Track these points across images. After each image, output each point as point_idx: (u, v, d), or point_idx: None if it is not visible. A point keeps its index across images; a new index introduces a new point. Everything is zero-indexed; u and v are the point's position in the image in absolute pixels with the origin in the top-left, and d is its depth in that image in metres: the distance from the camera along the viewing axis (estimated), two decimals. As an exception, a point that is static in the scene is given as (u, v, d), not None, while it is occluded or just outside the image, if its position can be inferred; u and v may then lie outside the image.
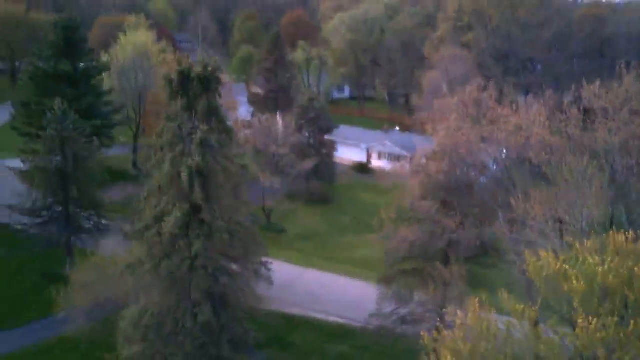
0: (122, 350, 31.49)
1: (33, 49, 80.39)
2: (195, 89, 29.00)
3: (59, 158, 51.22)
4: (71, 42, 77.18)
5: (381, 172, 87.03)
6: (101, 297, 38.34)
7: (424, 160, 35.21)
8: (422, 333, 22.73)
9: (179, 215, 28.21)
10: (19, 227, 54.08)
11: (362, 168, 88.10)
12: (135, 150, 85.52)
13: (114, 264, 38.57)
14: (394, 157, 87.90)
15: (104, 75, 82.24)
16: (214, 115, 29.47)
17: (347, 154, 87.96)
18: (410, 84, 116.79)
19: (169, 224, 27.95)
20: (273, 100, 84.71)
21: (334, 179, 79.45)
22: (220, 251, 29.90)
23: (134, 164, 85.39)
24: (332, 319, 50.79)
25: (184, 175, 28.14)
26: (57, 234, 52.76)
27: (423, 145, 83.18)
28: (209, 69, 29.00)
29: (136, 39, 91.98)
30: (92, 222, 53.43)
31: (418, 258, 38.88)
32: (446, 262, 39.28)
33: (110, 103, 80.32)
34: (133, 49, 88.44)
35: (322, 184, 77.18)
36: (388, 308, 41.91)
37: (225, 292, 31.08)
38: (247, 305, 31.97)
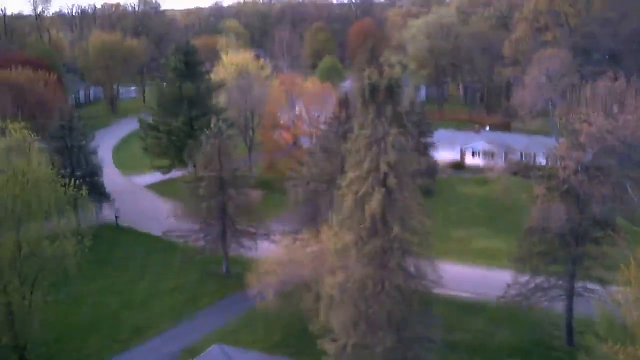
0: (326, 315, 38.79)
1: (156, 73, 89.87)
2: (383, 98, 36.15)
3: (218, 169, 59.07)
4: (190, 65, 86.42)
5: (476, 170, 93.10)
6: (286, 278, 46.22)
7: (564, 151, 41.22)
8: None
9: (380, 196, 35.47)
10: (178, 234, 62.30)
11: (458, 166, 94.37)
12: (250, 162, 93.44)
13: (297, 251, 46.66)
14: (487, 155, 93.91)
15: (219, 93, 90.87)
16: (398, 119, 36.56)
17: (443, 154, 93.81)
18: (490, 81, 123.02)
19: (374, 202, 35.20)
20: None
21: (436, 176, 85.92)
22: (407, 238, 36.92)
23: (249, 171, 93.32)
24: (464, 295, 56.69)
25: (383, 168, 35.32)
26: (216, 235, 60.75)
27: (514, 141, 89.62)
28: (394, 80, 36.14)
29: (237, 59, 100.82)
30: (247, 224, 61.07)
31: (552, 240, 45.15)
32: (577, 242, 45.53)
33: (226, 120, 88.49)
34: (236, 69, 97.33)
35: (426, 180, 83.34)
36: (523, 279, 48.01)
37: (413, 267, 38.29)
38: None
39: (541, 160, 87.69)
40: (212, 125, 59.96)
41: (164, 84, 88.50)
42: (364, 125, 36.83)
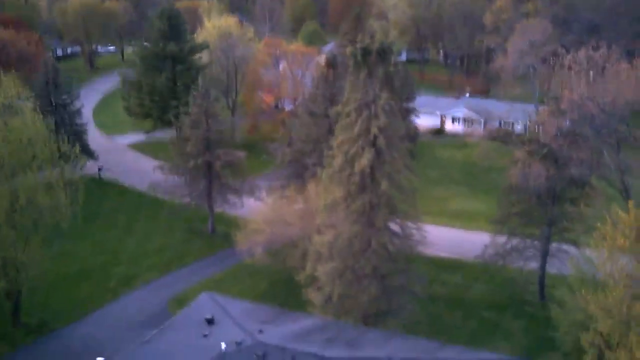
0: (314, 269, 40.30)
1: (141, 35, 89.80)
2: (375, 61, 37.21)
3: (204, 128, 59.93)
4: (174, 28, 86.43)
5: (456, 135, 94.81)
6: (273, 236, 47.68)
7: (545, 117, 42.88)
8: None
9: (369, 156, 36.84)
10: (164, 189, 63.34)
11: (438, 132, 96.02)
12: (233, 124, 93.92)
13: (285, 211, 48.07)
14: (467, 121, 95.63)
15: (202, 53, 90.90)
16: (389, 82, 37.74)
17: (423, 120, 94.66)
18: (471, 49, 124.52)
19: (363, 161, 36.53)
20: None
21: (417, 140, 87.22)
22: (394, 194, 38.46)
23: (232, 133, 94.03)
24: (442, 254, 58.69)
25: (374, 131, 36.61)
26: (202, 190, 61.84)
27: (495, 108, 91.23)
28: (386, 44, 37.21)
29: (220, 24, 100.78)
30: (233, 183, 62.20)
31: (530, 199, 47.18)
32: (553, 202, 47.66)
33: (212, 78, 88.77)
34: (219, 33, 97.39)
35: (406, 144, 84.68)
36: (501, 240, 50.17)
37: (398, 224, 39.97)
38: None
39: (519, 128, 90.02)
40: (199, 86, 60.65)
41: (147, 44, 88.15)
42: (354, 88, 37.90)
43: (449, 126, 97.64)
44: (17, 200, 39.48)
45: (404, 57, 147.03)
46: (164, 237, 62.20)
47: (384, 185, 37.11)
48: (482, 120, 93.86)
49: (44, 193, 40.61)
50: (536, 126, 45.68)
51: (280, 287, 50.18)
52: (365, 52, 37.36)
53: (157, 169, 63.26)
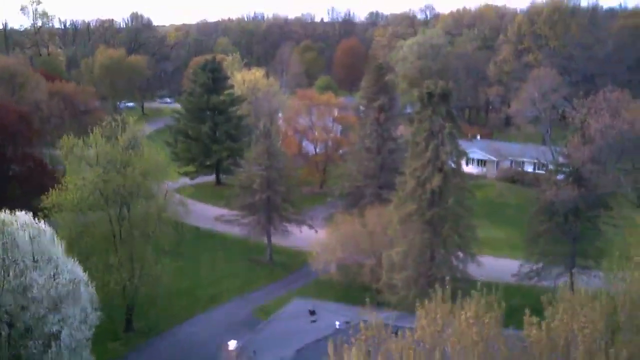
0: (390, 277, 48.44)
1: (186, 88, 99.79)
2: (437, 102, 46.38)
3: (267, 166, 68.46)
4: (216, 80, 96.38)
5: (471, 176, 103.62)
6: (344, 255, 55.83)
7: (574, 146, 51.97)
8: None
9: (439, 178, 45.56)
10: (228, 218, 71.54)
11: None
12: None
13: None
14: (481, 162, 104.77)
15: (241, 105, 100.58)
16: (450, 116, 46.89)
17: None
18: (475, 100, 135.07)
19: (434, 183, 45.23)
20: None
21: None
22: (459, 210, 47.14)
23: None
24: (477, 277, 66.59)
25: (443, 157, 45.51)
26: (263, 223, 69.90)
27: (507, 149, 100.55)
28: (446, 89, 46.50)
29: (248, 77, 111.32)
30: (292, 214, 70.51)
31: (558, 218, 55.75)
32: (577, 220, 56.25)
33: (248, 126, 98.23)
34: (248, 85, 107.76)
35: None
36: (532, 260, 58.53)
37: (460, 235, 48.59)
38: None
39: (528, 168, 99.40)
40: (262, 127, 69.59)
41: (190, 98, 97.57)
42: (422, 120, 46.96)
43: (464, 167, 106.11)
44: (150, 218, 47.76)
45: (408, 109, 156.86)
46: (229, 266, 69.69)
47: (451, 202, 45.74)
48: (496, 161, 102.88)
49: (168, 214, 48.93)
50: (563, 155, 54.57)
51: (349, 299, 57.41)
52: (430, 95, 46.58)
53: (223, 204, 71.49)
